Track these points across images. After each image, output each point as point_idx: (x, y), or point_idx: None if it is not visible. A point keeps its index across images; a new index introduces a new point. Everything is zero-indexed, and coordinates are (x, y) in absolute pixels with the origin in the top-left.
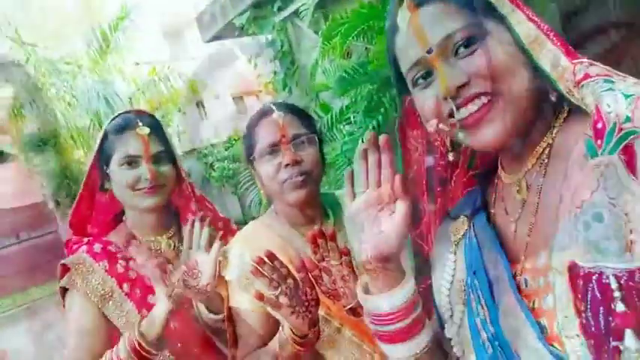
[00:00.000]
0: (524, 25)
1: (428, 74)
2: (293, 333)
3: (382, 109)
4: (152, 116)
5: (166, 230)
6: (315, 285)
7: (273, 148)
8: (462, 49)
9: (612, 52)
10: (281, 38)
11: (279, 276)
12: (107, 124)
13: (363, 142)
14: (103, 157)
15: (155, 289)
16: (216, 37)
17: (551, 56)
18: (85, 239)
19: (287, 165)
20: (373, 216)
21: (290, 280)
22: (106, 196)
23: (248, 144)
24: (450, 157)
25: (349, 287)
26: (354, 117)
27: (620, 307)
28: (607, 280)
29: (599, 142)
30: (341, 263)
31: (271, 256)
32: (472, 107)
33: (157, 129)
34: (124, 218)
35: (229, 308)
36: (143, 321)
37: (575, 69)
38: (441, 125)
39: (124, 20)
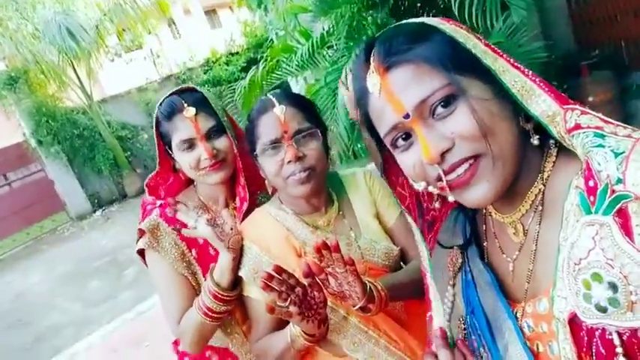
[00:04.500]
0: (508, 73)
1: (408, 135)
2: (303, 332)
3: (364, 34)
4: (196, 90)
5: (233, 201)
6: (323, 287)
7: (276, 145)
8: (439, 109)
9: None
10: None
11: (288, 287)
12: (156, 110)
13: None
14: (165, 142)
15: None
16: None
17: (540, 102)
18: (159, 202)
19: (290, 161)
20: None
21: (298, 289)
22: (179, 174)
23: (250, 139)
24: (437, 205)
25: (355, 290)
26: (336, 43)
27: None
28: (610, 337)
29: (591, 198)
30: (346, 271)
31: (279, 270)
32: (460, 170)
33: (203, 104)
34: (195, 184)
35: (241, 295)
36: (215, 271)
37: (567, 115)
38: (430, 188)
39: None
